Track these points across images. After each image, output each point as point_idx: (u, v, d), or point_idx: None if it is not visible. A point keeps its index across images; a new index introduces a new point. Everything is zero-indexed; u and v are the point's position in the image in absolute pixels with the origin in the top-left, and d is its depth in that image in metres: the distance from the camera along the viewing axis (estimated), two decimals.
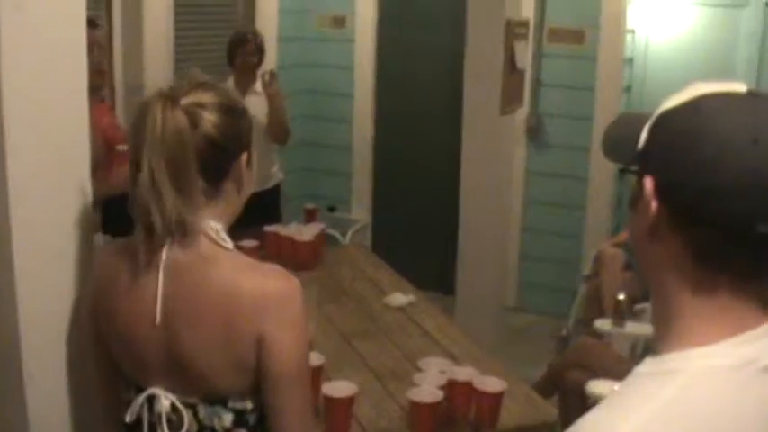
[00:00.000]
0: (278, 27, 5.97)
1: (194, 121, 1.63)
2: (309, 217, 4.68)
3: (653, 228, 1.07)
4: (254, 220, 4.37)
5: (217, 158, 1.68)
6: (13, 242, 1.71)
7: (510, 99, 4.54)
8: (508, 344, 4.92)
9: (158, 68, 4.80)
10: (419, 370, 2.78)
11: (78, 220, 1.87)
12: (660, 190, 1.06)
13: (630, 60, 5.90)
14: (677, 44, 5.86)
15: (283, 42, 6.02)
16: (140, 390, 1.76)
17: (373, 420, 2.62)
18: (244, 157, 1.74)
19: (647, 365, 1.08)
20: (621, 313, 4.11)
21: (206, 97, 1.67)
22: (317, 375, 2.67)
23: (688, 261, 1.06)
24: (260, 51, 4.98)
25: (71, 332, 1.85)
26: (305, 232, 4.17)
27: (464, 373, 2.66)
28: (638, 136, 1.12)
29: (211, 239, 1.70)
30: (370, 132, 6.37)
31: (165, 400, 1.72)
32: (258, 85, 4.97)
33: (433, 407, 2.51)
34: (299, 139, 6.36)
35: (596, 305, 4.72)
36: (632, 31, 5.85)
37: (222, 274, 1.67)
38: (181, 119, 1.61)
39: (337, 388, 2.54)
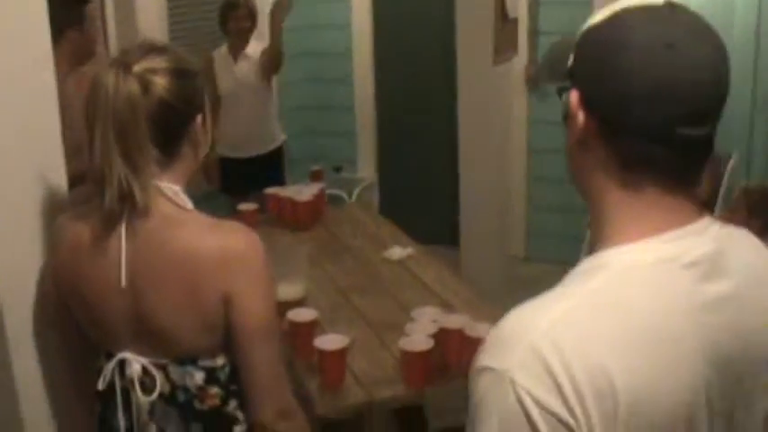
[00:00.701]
0: None
1: (146, 87, 1.64)
2: (315, 178, 4.70)
3: (581, 138, 1.14)
4: (258, 183, 4.44)
5: (171, 122, 1.69)
6: None
7: (503, 48, 4.51)
8: (517, 293, 4.86)
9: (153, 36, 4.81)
10: (413, 320, 2.80)
11: (47, 196, 1.88)
12: (585, 101, 1.12)
13: None
14: None
15: None
16: (110, 356, 1.78)
17: (367, 371, 2.66)
18: (199, 118, 1.75)
19: (582, 264, 1.13)
20: None
21: (157, 62, 1.68)
22: (310, 330, 2.72)
23: (616, 166, 1.12)
24: (251, 16, 4.99)
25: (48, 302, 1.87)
26: (305, 192, 4.19)
27: (455, 320, 2.69)
28: (569, 56, 1.17)
29: (171, 201, 1.72)
30: (371, 91, 6.36)
31: (136, 363, 1.75)
32: (249, 49, 4.98)
33: (423, 355, 2.54)
34: (302, 101, 6.37)
35: None
36: None
37: (183, 235, 1.70)
38: (133, 85, 1.62)
39: (329, 341, 2.58)
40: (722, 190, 4.87)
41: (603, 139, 1.12)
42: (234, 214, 4.03)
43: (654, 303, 1.07)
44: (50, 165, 1.90)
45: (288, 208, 4.13)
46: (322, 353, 2.56)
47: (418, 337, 2.59)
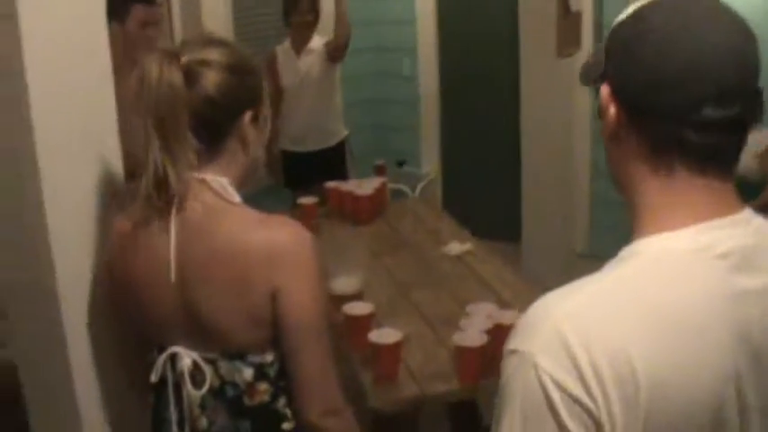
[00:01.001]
0: None
1: (193, 79, 1.65)
2: (379, 173, 4.72)
3: (614, 130, 1.17)
4: (320, 177, 4.48)
5: (215, 117, 1.69)
6: (46, 209, 1.74)
7: (566, 42, 4.49)
8: None
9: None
10: (468, 316, 2.80)
11: (104, 186, 1.91)
12: (614, 94, 1.16)
13: None
14: None
15: None
16: (162, 349, 1.80)
17: (422, 365, 2.66)
18: (247, 115, 1.74)
19: (619, 253, 1.16)
20: None
21: (213, 54, 1.68)
22: (366, 323, 2.74)
23: (647, 152, 1.15)
24: (314, 9, 5.03)
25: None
26: (366, 186, 4.21)
27: (510, 316, 2.68)
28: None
29: (217, 194, 1.72)
30: (435, 86, 6.36)
31: (187, 357, 1.76)
32: (313, 43, 5.03)
33: (476, 351, 2.54)
34: (367, 96, 6.39)
35: None
36: None
37: (231, 228, 1.70)
38: (176, 76, 1.62)
39: (383, 335, 2.60)
40: None
41: (634, 127, 1.15)
42: (294, 208, 4.07)
43: (683, 292, 1.08)
44: (107, 155, 1.93)
45: (349, 202, 4.15)
46: (376, 347, 2.57)
47: (472, 333, 2.60)
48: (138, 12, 3.59)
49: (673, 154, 1.12)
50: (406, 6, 6.30)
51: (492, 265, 3.51)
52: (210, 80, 1.66)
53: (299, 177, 4.98)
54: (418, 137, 6.49)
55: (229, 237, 1.69)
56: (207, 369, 1.76)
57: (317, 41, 5.05)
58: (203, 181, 1.71)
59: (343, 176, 4.92)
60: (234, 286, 1.68)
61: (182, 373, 1.77)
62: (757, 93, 1.12)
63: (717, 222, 1.12)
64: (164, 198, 1.67)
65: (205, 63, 1.67)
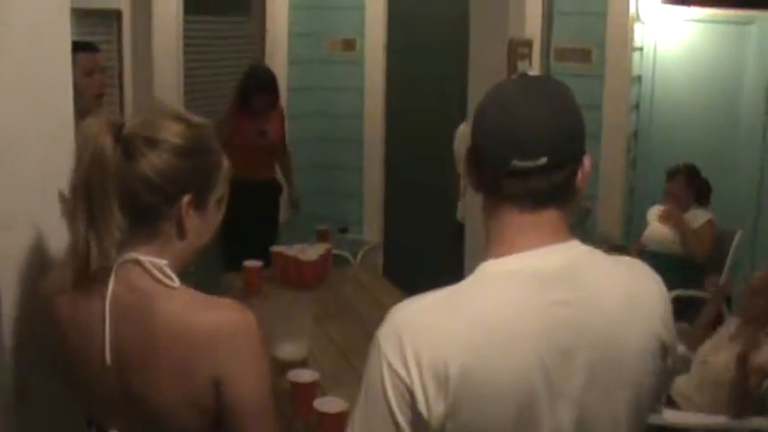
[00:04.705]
0: (288, 50, 6.03)
1: (132, 154, 1.55)
2: (321, 238, 4.73)
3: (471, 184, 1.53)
4: None
5: (150, 198, 1.59)
6: None
7: None
8: None
9: (168, 93, 4.86)
10: None
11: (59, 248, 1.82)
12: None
13: (639, 78, 5.90)
14: (686, 61, 5.87)
15: (293, 65, 6.09)
16: (100, 430, 1.70)
17: None
18: (185, 200, 1.61)
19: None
20: None
21: (163, 133, 1.59)
22: (311, 391, 2.71)
23: (486, 197, 1.47)
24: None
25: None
26: (310, 252, 4.20)
27: None
28: None
29: (150, 275, 1.61)
30: (380, 153, 6.40)
31: None
32: None
33: None
34: (311, 161, 6.40)
35: None
36: (640, 49, 5.86)
37: (171, 312, 1.58)
38: (108, 144, 1.54)
39: (329, 403, 2.57)
40: (728, 262, 5.15)
41: (479, 179, 1.48)
42: (239, 271, 4.05)
43: (497, 302, 1.38)
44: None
45: (292, 267, 4.14)
46: (322, 415, 2.54)
47: None
48: (81, 60, 3.60)
49: (497, 197, 1.44)
50: (353, 74, 6.36)
51: None
52: (151, 160, 1.56)
53: None
54: (361, 203, 6.50)
55: (169, 321, 1.57)
56: None
57: None
58: (137, 261, 1.61)
59: None
60: (175, 372, 1.57)
61: None
62: (567, 141, 1.42)
63: (541, 250, 1.42)
64: (87, 273, 1.58)
65: (151, 141, 1.57)
